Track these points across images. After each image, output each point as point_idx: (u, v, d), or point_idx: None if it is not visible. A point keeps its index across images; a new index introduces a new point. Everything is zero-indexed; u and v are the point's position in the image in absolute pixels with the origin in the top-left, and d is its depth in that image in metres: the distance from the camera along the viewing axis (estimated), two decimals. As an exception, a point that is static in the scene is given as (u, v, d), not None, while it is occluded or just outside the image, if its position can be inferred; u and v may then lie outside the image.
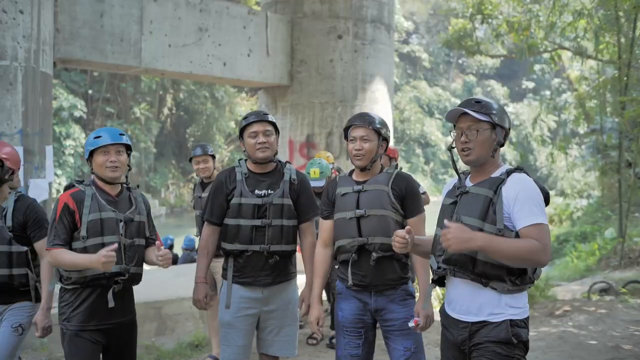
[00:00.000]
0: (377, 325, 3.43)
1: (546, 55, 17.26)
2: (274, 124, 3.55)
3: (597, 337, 6.23)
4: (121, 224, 3.19)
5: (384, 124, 3.40)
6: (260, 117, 3.51)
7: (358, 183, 3.37)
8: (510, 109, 44.22)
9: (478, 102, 2.63)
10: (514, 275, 2.51)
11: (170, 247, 13.73)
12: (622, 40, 12.49)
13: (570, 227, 20.21)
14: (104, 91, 30.09)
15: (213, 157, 5.74)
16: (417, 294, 3.39)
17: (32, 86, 6.60)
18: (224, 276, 3.58)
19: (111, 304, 3.14)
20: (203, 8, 8.92)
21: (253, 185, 3.49)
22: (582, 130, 18.47)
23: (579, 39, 15.09)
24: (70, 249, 3.12)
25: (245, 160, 3.59)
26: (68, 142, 25.25)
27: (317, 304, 3.44)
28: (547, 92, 37.90)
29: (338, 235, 3.39)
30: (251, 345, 3.61)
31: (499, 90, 46.43)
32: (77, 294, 3.16)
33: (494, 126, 2.59)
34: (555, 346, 5.91)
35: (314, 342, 5.93)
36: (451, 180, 2.88)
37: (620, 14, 11.96)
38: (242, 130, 3.54)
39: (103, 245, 3.07)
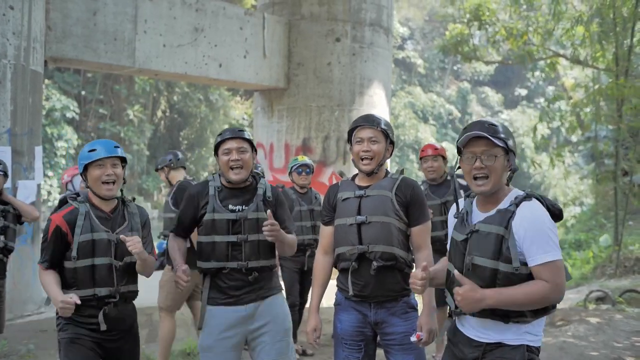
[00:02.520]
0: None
1: (541, 63, 17.23)
2: (250, 141, 3.38)
3: (598, 348, 6.11)
4: (112, 244, 3.11)
5: (390, 126, 3.26)
6: (234, 134, 3.34)
7: (360, 188, 3.22)
8: (504, 116, 44.29)
9: (492, 125, 2.49)
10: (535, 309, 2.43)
11: (164, 253, 13.53)
12: (619, 49, 12.43)
13: (565, 235, 20.17)
14: (97, 92, 29.87)
15: (182, 167, 5.42)
16: (419, 306, 3.24)
17: (21, 84, 6.43)
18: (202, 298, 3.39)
19: (103, 327, 3.07)
20: (199, 8, 8.78)
21: (226, 200, 3.32)
22: (575, 138, 18.47)
23: (575, 46, 15.06)
24: (62, 268, 3.08)
25: (220, 175, 3.41)
26: (60, 144, 25.02)
27: (315, 314, 3.29)
28: (542, 100, 38.01)
29: (338, 242, 3.23)
30: None
31: (493, 97, 46.47)
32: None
33: (507, 152, 2.48)
34: (556, 357, 5.78)
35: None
36: (460, 202, 2.71)
37: (618, 20, 11.91)
38: (216, 147, 3.38)
39: (93, 266, 3.05)
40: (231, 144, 3.31)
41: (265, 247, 3.33)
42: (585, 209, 22.85)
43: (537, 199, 2.46)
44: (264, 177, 5.72)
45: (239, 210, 3.30)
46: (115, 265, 3.10)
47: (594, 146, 15.04)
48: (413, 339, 2.99)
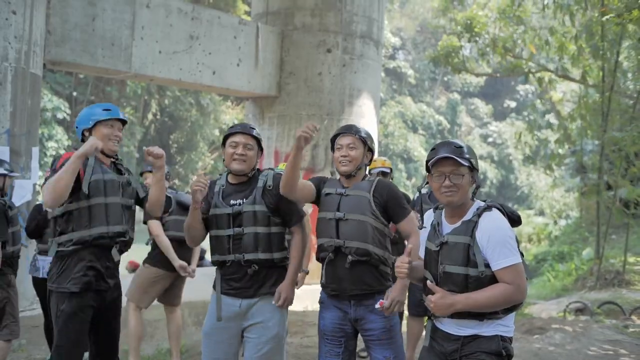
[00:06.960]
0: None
1: (530, 76, 17.55)
2: (257, 140, 3.50)
3: (571, 356, 6.33)
4: (121, 186, 3.45)
5: (369, 135, 3.54)
6: (245, 130, 3.47)
7: (343, 187, 3.49)
8: (493, 127, 44.65)
9: (458, 147, 2.78)
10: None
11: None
12: (606, 65, 12.73)
13: (549, 247, 20.43)
14: (88, 94, 29.91)
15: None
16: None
17: (21, 87, 6.60)
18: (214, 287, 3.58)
19: (117, 257, 3.38)
20: (195, 16, 8.98)
21: (230, 196, 3.45)
22: (562, 151, 18.75)
23: (563, 62, 15.38)
24: (72, 212, 3.31)
25: (227, 173, 3.55)
26: (50, 144, 25.01)
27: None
28: (530, 112, 38.31)
29: (319, 234, 3.50)
30: None
31: (483, 109, 46.81)
32: (77, 256, 3.31)
33: (472, 169, 2.76)
34: (530, 363, 6.00)
35: None
36: (428, 214, 2.96)
37: (606, 39, 12.18)
38: (225, 139, 3.52)
39: (106, 205, 3.34)
40: (239, 139, 3.44)
41: (264, 240, 3.38)
42: (571, 222, 23.11)
43: (497, 208, 2.76)
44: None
45: (238, 204, 3.40)
46: (124, 204, 3.42)
47: (579, 160, 15.32)
48: (377, 306, 3.19)
